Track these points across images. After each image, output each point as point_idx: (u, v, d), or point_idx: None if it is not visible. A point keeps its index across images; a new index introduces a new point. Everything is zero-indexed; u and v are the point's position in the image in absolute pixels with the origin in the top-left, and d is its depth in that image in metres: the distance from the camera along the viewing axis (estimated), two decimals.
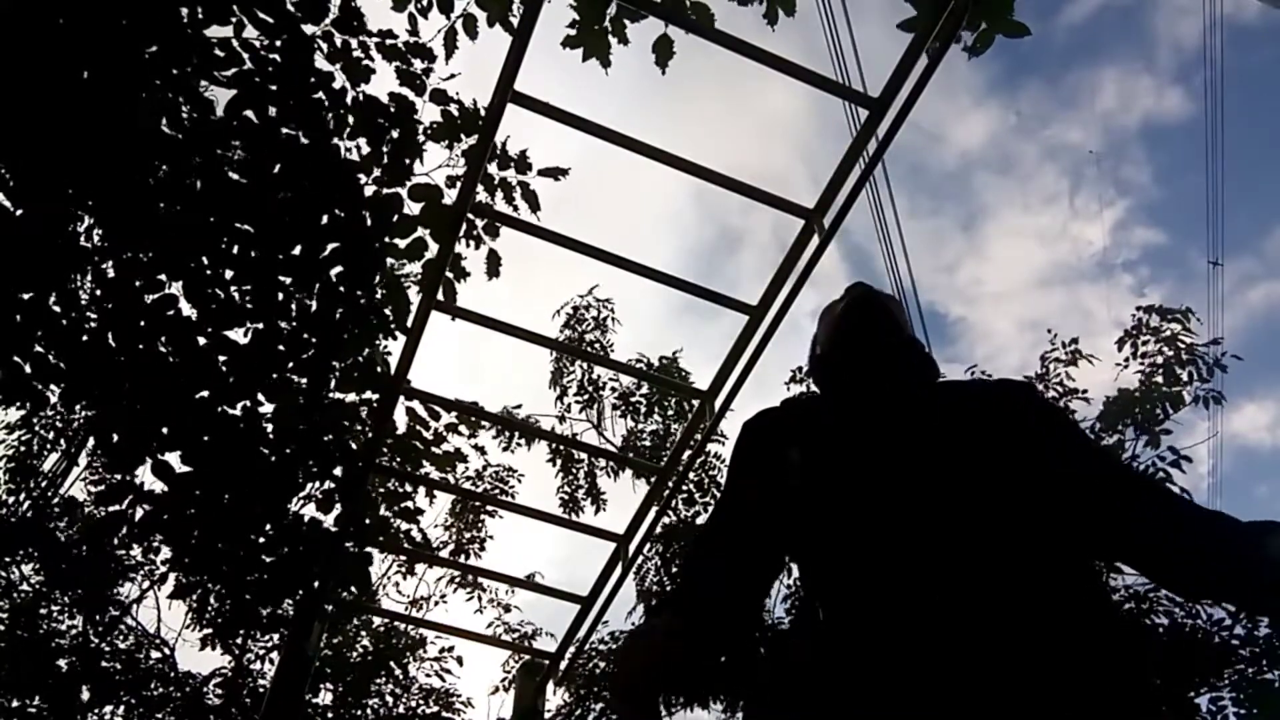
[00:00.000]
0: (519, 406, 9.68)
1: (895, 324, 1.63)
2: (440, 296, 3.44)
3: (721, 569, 1.44)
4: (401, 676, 9.09)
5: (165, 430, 3.03)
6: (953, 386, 1.63)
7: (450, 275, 3.48)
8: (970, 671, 1.14)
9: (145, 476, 3.23)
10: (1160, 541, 1.27)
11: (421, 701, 9.12)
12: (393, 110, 3.23)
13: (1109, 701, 1.14)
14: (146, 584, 8.75)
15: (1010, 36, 2.84)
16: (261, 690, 8.23)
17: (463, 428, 4.15)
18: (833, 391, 1.65)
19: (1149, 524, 1.29)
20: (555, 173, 3.58)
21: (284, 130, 2.91)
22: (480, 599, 9.39)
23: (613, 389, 9.87)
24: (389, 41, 3.36)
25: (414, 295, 3.55)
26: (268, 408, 3.27)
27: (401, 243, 3.40)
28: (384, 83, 3.30)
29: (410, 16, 3.42)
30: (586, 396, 9.86)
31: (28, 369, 2.83)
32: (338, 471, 3.60)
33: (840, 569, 1.33)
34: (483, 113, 3.24)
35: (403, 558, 8.87)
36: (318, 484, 3.61)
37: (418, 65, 3.43)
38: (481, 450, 4.49)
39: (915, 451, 1.38)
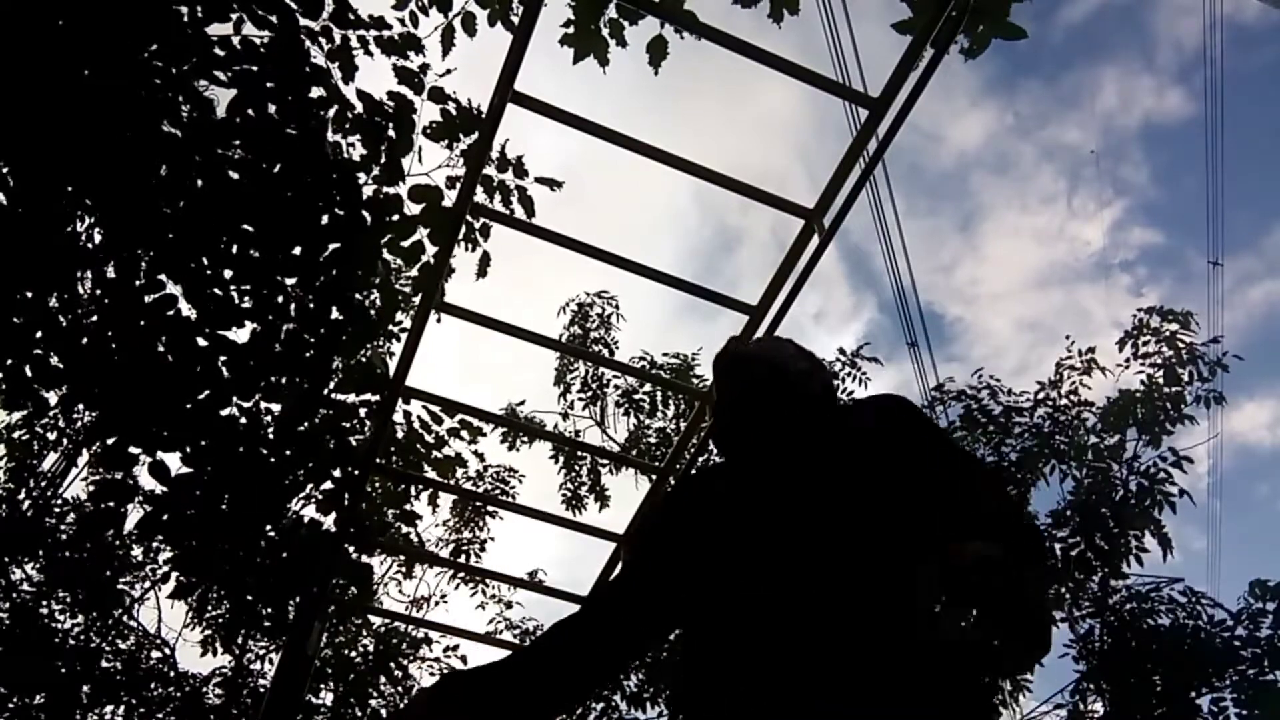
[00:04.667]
0: (523, 403, 9.66)
1: (756, 381, 1.60)
2: (440, 297, 3.44)
3: (576, 638, 1.42)
4: (402, 677, 9.07)
5: (164, 431, 3.02)
6: (838, 416, 1.61)
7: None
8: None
9: (147, 478, 3.23)
10: (999, 510, 1.39)
11: None
12: (390, 108, 3.22)
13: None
14: (147, 584, 8.75)
15: (1007, 39, 2.86)
16: (261, 690, 8.23)
17: (464, 433, 4.14)
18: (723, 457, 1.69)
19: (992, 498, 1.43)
20: (551, 183, 3.67)
21: (284, 129, 2.90)
22: (484, 593, 9.37)
23: (616, 386, 9.85)
24: (385, 34, 3.35)
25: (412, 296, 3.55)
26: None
27: (403, 244, 3.40)
28: (382, 83, 3.29)
29: (411, 15, 3.41)
30: (590, 393, 9.84)
31: (29, 371, 2.83)
32: (337, 472, 3.60)
33: (713, 631, 1.38)
34: (483, 112, 3.23)
35: (402, 558, 8.86)
36: (317, 485, 3.60)
37: (415, 60, 3.43)
38: (481, 456, 4.47)
39: (791, 504, 1.42)
